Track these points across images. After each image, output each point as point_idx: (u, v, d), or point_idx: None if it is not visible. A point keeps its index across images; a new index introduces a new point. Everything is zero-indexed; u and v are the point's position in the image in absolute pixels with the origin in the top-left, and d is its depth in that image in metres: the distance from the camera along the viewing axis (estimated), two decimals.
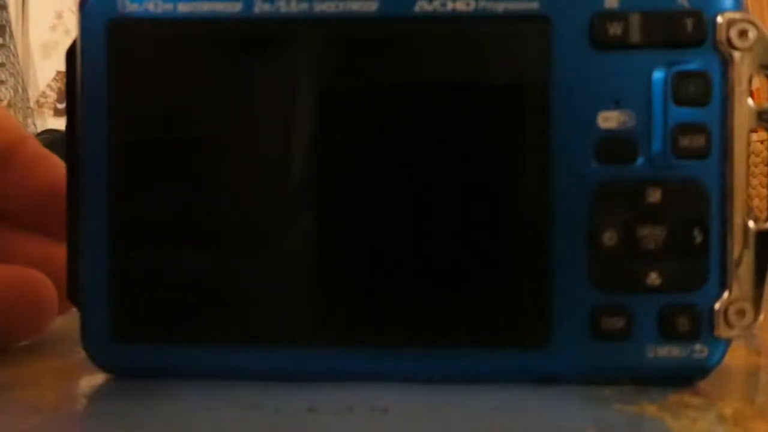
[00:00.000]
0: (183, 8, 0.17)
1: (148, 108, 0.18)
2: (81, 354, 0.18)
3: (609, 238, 0.17)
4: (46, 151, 0.22)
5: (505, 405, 0.16)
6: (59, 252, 0.19)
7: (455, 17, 0.17)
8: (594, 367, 0.17)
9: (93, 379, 0.18)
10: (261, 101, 0.18)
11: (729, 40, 0.17)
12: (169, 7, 0.17)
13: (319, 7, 0.17)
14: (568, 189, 0.17)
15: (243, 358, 0.17)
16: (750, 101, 0.17)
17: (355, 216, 0.17)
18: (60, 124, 0.48)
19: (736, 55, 0.17)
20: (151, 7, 0.17)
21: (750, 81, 0.17)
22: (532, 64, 0.17)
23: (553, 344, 0.17)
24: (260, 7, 0.17)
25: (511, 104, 0.17)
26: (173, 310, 0.18)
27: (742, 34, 0.17)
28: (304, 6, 0.17)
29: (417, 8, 0.17)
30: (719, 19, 0.17)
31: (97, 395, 0.18)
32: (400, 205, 0.17)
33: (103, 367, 0.18)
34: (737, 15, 0.17)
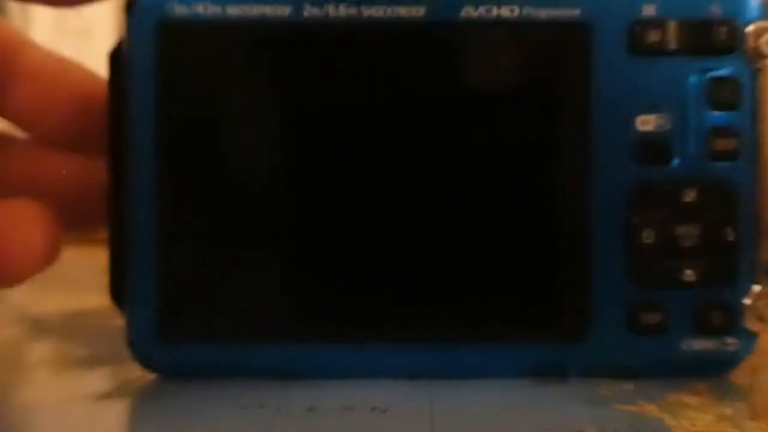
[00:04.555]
0: (232, 11, 0.18)
1: (197, 110, 0.18)
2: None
3: (647, 236, 0.18)
4: (67, 61, 0.19)
5: (505, 404, 0.16)
6: (97, 169, 0.17)
7: (500, 23, 0.18)
8: (631, 361, 0.18)
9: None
10: (308, 104, 0.18)
11: (758, 48, 0.18)
12: (218, 10, 0.17)
13: (367, 12, 0.18)
14: (608, 189, 0.18)
15: (272, 356, 0.18)
16: None
17: (405, 215, 0.18)
18: None
19: (766, 62, 0.18)
20: (200, 9, 0.17)
21: None
22: (573, 69, 0.18)
23: (592, 339, 0.18)
24: (309, 11, 0.17)
25: (552, 107, 0.18)
26: (218, 311, 0.18)
27: None
28: (353, 11, 0.18)
29: (463, 14, 0.18)
30: (749, 27, 0.18)
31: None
32: (447, 203, 0.18)
33: (149, 367, 0.18)
34: (766, 24, 0.18)
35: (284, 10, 0.17)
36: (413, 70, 0.18)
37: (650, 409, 0.16)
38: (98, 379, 0.18)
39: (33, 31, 0.51)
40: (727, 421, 0.15)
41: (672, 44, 0.18)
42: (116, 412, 0.16)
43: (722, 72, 0.18)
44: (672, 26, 0.17)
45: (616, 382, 0.18)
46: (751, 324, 0.18)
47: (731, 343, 0.18)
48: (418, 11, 0.17)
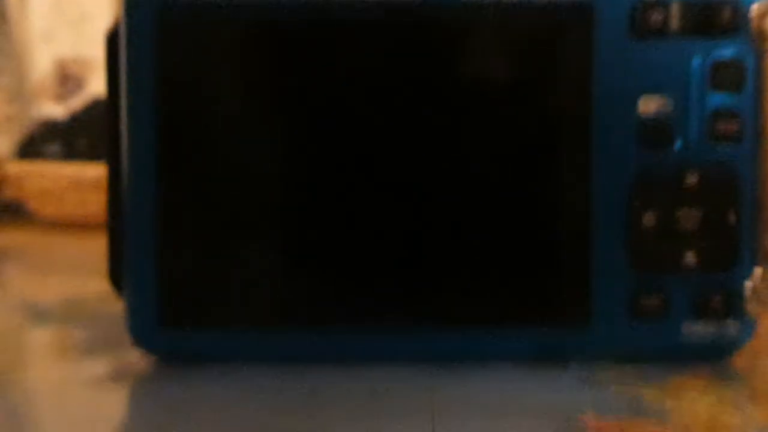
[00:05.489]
0: None
1: (196, 94, 0.18)
2: None
3: (648, 219, 0.18)
4: None
5: (506, 387, 0.16)
6: None
7: (502, 5, 0.17)
8: (632, 345, 0.18)
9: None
10: (306, 90, 0.18)
11: (761, 30, 0.17)
12: None
13: None
14: (609, 172, 0.18)
15: (271, 341, 0.18)
16: None
17: (409, 202, 0.18)
18: (59, 111, 0.47)
19: None
20: None
21: None
22: (576, 51, 0.17)
23: (594, 324, 0.18)
24: None
25: (554, 89, 0.18)
26: (216, 295, 0.18)
27: None
28: None
29: None
30: (753, 9, 0.17)
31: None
32: (449, 189, 0.18)
33: (148, 351, 0.18)
34: None
35: None
36: (413, 52, 0.18)
37: (650, 391, 0.16)
38: (98, 364, 0.18)
39: (30, 16, 0.50)
40: (728, 403, 0.15)
41: (674, 26, 0.17)
42: (116, 396, 0.16)
43: (725, 54, 0.17)
44: (675, 8, 0.17)
45: (617, 366, 0.18)
46: (752, 308, 0.18)
47: (732, 327, 0.18)
48: None
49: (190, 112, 0.18)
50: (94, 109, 0.40)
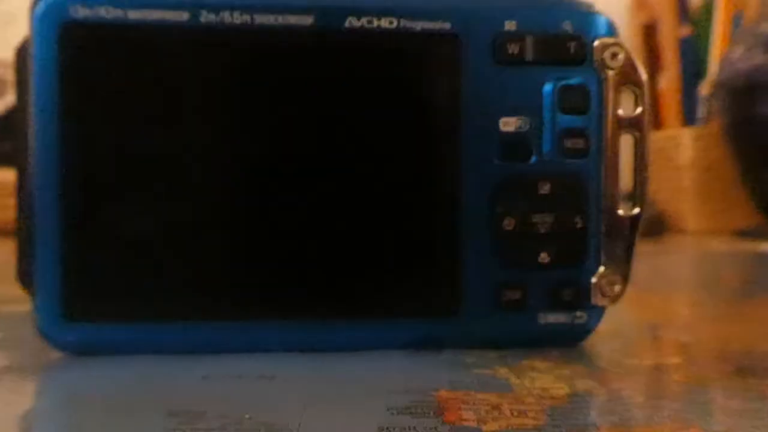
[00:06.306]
0: (133, 15, 0.19)
1: (98, 107, 0.19)
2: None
3: (508, 223, 0.20)
4: None
5: (378, 371, 0.18)
6: None
7: (380, 33, 0.20)
8: (497, 333, 0.21)
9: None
10: (202, 102, 0.20)
11: (603, 61, 0.20)
12: (119, 13, 0.19)
13: (260, 20, 0.19)
14: (475, 181, 0.20)
15: (170, 333, 0.19)
16: (620, 110, 0.21)
17: (294, 205, 0.20)
18: None
19: (609, 73, 0.20)
20: (102, 12, 0.19)
21: (619, 94, 0.20)
22: (445, 75, 0.20)
23: (463, 314, 0.20)
24: (206, 18, 0.19)
25: (427, 110, 0.20)
26: (118, 292, 0.19)
27: (614, 56, 0.20)
28: (246, 18, 0.19)
29: (347, 24, 0.19)
30: (596, 43, 0.20)
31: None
32: (332, 196, 0.20)
33: (54, 346, 0.19)
34: (611, 40, 0.20)
35: (182, 15, 0.19)
36: (301, 72, 0.20)
37: (502, 371, 0.18)
38: (4, 358, 0.20)
39: None
40: (563, 379, 0.18)
41: (530, 55, 0.20)
42: (19, 386, 0.18)
43: (573, 81, 0.20)
44: (530, 39, 0.20)
45: (484, 351, 0.20)
46: (596, 300, 0.21)
47: (581, 316, 0.21)
48: (306, 20, 0.19)
49: (92, 118, 0.19)
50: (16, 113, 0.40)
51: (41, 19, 0.19)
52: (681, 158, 0.68)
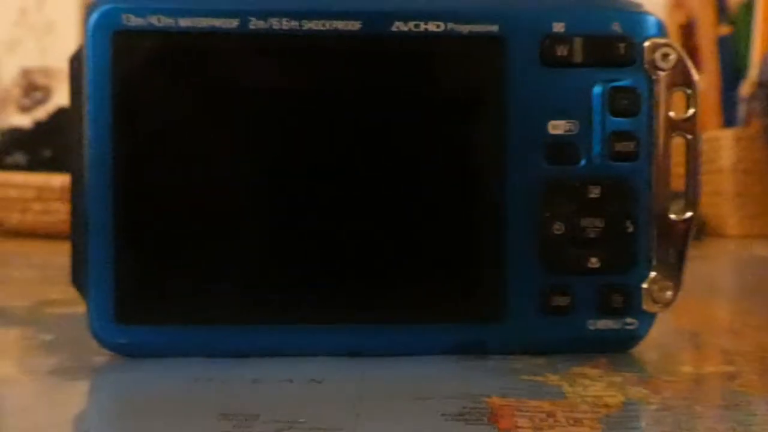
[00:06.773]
0: (184, 23, 0.19)
1: (150, 112, 0.20)
2: None
3: (557, 228, 0.20)
4: None
5: (426, 376, 0.18)
6: None
7: (427, 36, 0.20)
8: (543, 339, 0.20)
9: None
10: (252, 107, 0.20)
11: (654, 62, 0.20)
12: (170, 22, 0.19)
13: (308, 25, 0.19)
14: (523, 185, 0.20)
15: (221, 336, 0.19)
16: (671, 113, 0.20)
17: (344, 210, 0.20)
18: (24, 121, 0.48)
19: (660, 74, 0.20)
20: (154, 21, 0.19)
21: (671, 96, 0.20)
22: (492, 78, 0.20)
23: (508, 320, 0.20)
24: (255, 24, 0.19)
25: (473, 112, 0.20)
26: (171, 295, 0.20)
27: (665, 57, 0.20)
28: (294, 24, 0.19)
29: (394, 28, 0.19)
30: (646, 43, 0.20)
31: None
32: (382, 200, 0.20)
33: (107, 347, 0.20)
34: (661, 41, 0.20)
35: (232, 23, 0.19)
36: (348, 77, 0.20)
37: (553, 378, 0.18)
38: (61, 359, 0.20)
39: None
40: (614, 387, 0.17)
41: (579, 57, 0.20)
42: (76, 387, 0.18)
43: (622, 82, 0.20)
44: (579, 41, 0.20)
45: (530, 357, 0.20)
46: (647, 306, 0.20)
47: (632, 323, 0.20)
48: (354, 25, 0.19)
49: (144, 124, 0.19)
50: (58, 119, 0.41)
51: (95, 28, 0.19)
52: (721, 161, 0.66)
